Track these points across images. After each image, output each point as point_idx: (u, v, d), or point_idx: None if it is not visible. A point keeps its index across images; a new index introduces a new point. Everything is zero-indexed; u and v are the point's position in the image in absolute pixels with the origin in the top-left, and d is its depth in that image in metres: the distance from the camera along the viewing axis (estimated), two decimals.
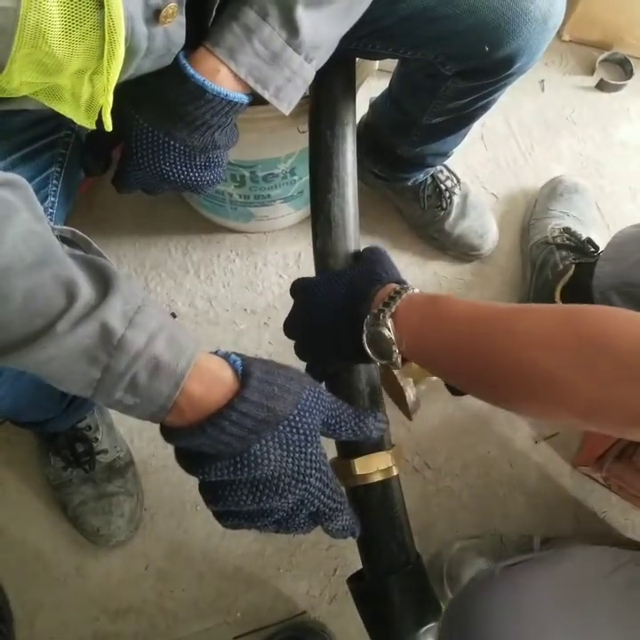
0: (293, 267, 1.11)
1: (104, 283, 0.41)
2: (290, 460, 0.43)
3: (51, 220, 0.59)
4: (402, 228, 1.13)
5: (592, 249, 1.01)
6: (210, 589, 0.94)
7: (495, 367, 0.46)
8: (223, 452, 0.41)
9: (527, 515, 0.96)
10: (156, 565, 0.94)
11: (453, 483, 0.99)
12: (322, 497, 0.45)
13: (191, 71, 0.52)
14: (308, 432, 0.44)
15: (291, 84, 0.56)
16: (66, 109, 0.49)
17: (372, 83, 0.93)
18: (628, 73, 1.26)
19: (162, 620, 0.92)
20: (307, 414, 0.44)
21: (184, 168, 0.58)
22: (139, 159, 0.57)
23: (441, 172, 1.06)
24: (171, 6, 0.43)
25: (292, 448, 0.43)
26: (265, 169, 0.91)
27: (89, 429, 0.90)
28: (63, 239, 0.47)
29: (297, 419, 0.43)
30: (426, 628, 0.59)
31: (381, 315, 0.51)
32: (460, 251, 1.10)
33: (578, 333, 0.42)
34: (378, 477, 0.60)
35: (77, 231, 0.49)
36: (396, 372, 0.79)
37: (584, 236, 1.04)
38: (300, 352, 0.62)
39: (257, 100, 0.57)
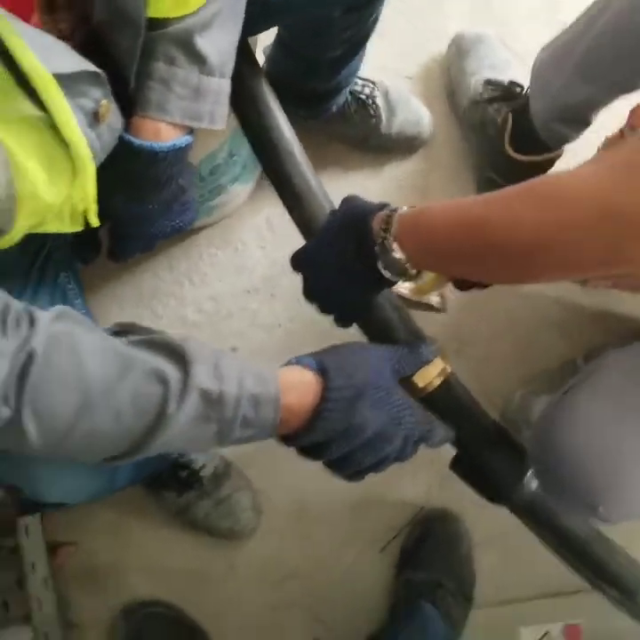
0: (268, 233, 1.16)
1: (178, 355, 0.48)
2: (384, 414, 0.52)
3: (87, 316, 0.66)
4: (344, 152, 1.16)
5: (518, 89, 1.06)
6: (340, 527, 1.07)
7: (483, 251, 0.53)
8: (333, 435, 0.50)
9: (563, 343, 1.07)
10: (290, 530, 1.06)
11: (491, 349, 1.09)
12: (418, 427, 0.55)
13: (137, 142, 0.56)
14: (386, 386, 0.53)
15: (218, 105, 0.60)
16: (53, 228, 0.54)
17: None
18: None
19: (316, 570, 1.06)
20: (379, 373, 0.53)
21: (167, 222, 0.63)
22: (128, 235, 0.62)
23: (355, 84, 1.09)
24: (103, 105, 0.48)
25: (381, 404, 0.52)
26: (208, 165, 0.94)
27: (182, 456, 1.00)
28: (115, 333, 0.53)
29: (374, 381, 0.52)
30: (528, 475, 0.71)
31: (385, 242, 0.57)
32: (403, 146, 1.14)
33: (533, 199, 0.49)
34: (438, 382, 0.67)
35: (120, 321, 0.55)
36: (411, 297, 0.88)
37: (506, 81, 1.08)
38: (325, 309, 0.67)
39: None
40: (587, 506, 0.66)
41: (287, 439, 0.52)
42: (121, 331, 0.54)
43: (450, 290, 0.91)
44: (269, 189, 1.14)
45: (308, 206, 0.70)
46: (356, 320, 0.68)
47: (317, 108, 1.03)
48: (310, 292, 0.67)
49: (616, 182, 0.45)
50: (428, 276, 0.89)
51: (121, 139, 0.56)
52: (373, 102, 1.10)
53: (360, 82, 1.09)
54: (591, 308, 1.08)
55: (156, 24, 0.53)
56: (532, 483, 0.69)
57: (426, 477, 1.07)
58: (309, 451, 0.53)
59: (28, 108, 0.41)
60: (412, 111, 1.13)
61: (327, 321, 1.13)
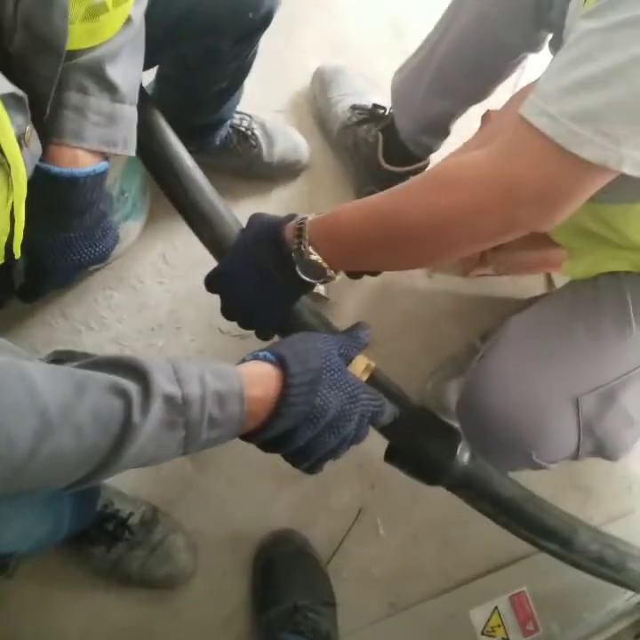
0: (166, 268, 1.15)
1: (132, 369, 0.46)
2: (341, 392, 0.54)
3: None
4: (231, 182, 1.19)
5: (381, 110, 1.16)
6: None
7: (392, 239, 0.58)
8: (300, 419, 0.51)
9: (458, 331, 1.17)
10: (232, 565, 1.03)
11: (396, 346, 1.15)
12: (371, 402, 0.57)
13: (57, 169, 0.56)
14: (338, 367, 0.55)
15: (130, 131, 0.61)
16: None
17: None
18: None
19: None
20: (330, 356, 0.55)
21: (90, 249, 0.62)
22: (49, 268, 0.60)
23: (233, 117, 1.14)
24: (27, 130, 0.47)
25: (337, 384, 0.54)
26: None
27: (107, 508, 0.94)
28: (53, 362, 0.51)
29: (327, 363, 0.54)
30: (459, 448, 0.75)
31: (302, 247, 0.60)
32: (286, 171, 1.21)
33: (435, 186, 0.56)
34: (365, 377, 0.71)
35: (56, 349, 0.53)
36: None
37: (369, 104, 1.18)
38: (247, 324, 0.69)
39: None
40: (521, 455, 0.71)
41: (254, 435, 0.52)
42: (58, 359, 0.52)
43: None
44: (161, 224, 1.17)
45: (218, 227, 0.71)
46: (278, 330, 0.70)
47: (202, 141, 1.06)
48: (229, 311, 0.68)
49: (505, 161, 0.52)
50: None
51: (38, 168, 0.55)
52: (252, 133, 1.15)
53: (237, 115, 1.14)
54: (477, 295, 1.18)
55: (67, 55, 0.53)
56: (463, 457, 0.72)
57: (356, 482, 1.09)
58: (274, 443, 0.53)
59: None
60: (289, 139, 1.19)
61: (238, 342, 1.14)
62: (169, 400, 0.46)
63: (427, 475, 0.80)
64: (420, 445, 0.75)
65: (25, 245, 0.57)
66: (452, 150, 1.11)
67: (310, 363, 0.53)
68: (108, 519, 0.94)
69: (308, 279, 0.62)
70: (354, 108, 1.19)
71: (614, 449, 0.74)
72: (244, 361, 0.54)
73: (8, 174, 0.44)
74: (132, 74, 0.60)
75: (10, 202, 0.46)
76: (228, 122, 1.09)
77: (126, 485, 1.02)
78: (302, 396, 0.51)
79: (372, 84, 1.29)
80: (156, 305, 1.13)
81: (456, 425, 0.75)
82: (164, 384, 0.46)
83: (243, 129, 1.14)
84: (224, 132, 1.09)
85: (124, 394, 0.44)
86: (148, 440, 0.45)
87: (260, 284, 0.63)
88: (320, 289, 1.08)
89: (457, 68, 0.96)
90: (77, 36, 0.52)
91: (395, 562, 1.06)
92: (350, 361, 0.67)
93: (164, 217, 1.15)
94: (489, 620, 1.01)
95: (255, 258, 0.63)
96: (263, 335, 0.70)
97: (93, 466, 0.44)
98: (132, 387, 0.45)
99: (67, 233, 0.59)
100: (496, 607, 1.03)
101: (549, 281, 1.19)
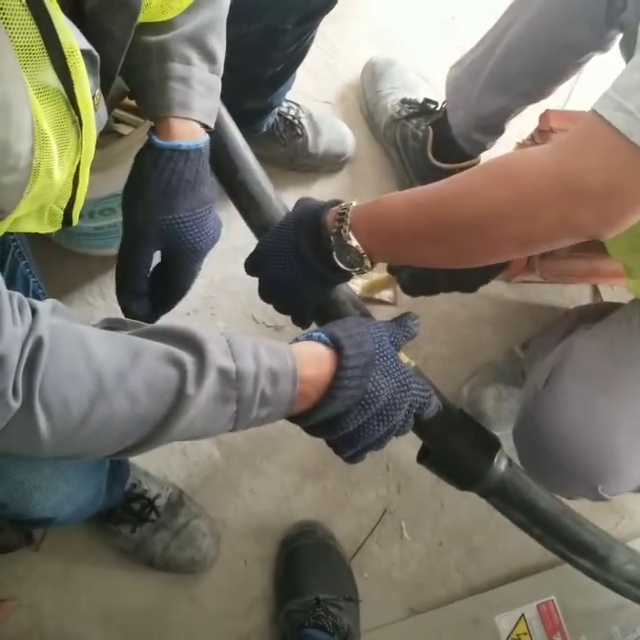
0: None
1: (187, 339, 0.46)
2: (392, 380, 0.52)
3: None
4: (272, 172, 1.17)
5: (433, 105, 1.14)
6: None
7: (441, 229, 0.56)
8: (351, 404, 0.50)
9: (497, 337, 1.14)
10: (254, 555, 1.02)
11: (431, 350, 1.13)
12: (421, 392, 0.55)
13: (185, 144, 0.56)
14: (390, 354, 0.53)
15: (217, 104, 0.62)
16: (30, 227, 0.51)
17: None
18: None
19: None
20: (383, 342, 0.53)
21: (216, 221, 0.62)
22: (188, 251, 0.60)
23: (281, 105, 1.12)
24: (96, 94, 0.46)
25: (390, 371, 0.52)
26: None
27: (135, 487, 0.94)
28: (106, 329, 0.50)
29: (380, 349, 0.52)
30: (496, 456, 0.73)
31: (341, 231, 0.58)
32: (330, 163, 1.19)
33: (490, 176, 0.53)
34: None
35: (108, 317, 0.52)
36: (362, 295, 0.90)
37: (420, 99, 1.16)
38: (282, 307, 0.67)
39: None
40: (586, 487, 0.68)
41: (305, 417, 0.51)
42: (110, 327, 0.52)
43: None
44: None
45: (263, 209, 0.70)
46: (315, 318, 0.68)
47: (249, 127, 1.05)
48: (265, 292, 0.67)
49: (571, 155, 0.49)
50: (378, 275, 0.93)
51: (161, 146, 0.56)
52: (299, 122, 1.14)
53: (285, 103, 1.13)
54: (519, 301, 1.16)
55: (164, 26, 0.54)
56: (500, 464, 0.71)
57: (383, 483, 1.07)
58: (321, 427, 0.52)
59: (52, 78, 0.39)
60: (336, 131, 1.18)
61: (272, 333, 1.13)
62: (223, 374, 0.45)
63: (461, 479, 0.78)
64: (456, 449, 0.73)
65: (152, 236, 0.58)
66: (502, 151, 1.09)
67: (364, 346, 0.51)
68: (135, 499, 0.95)
69: (343, 266, 0.60)
70: (404, 101, 1.17)
71: None
72: (296, 340, 0.53)
73: (79, 134, 0.43)
74: (222, 46, 0.60)
75: (76, 163, 0.45)
76: (276, 109, 1.08)
77: (153, 467, 1.02)
78: (355, 380, 0.50)
79: (423, 78, 1.27)
80: (191, 290, 1.12)
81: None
82: (218, 357, 0.45)
83: (290, 117, 1.13)
84: (271, 119, 1.09)
85: (178, 364, 0.44)
86: (200, 412, 0.45)
87: (296, 266, 0.62)
88: (385, 295, 1.06)
89: (518, 65, 0.93)
90: (151, 11, 0.52)
91: (417, 566, 1.05)
92: (399, 346, 0.64)
93: None
94: (515, 627, 0.98)
95: (293, 240, 0.62)
96: (300, 322, 0.68)
97: (144, 434, 0.44)
98: (186, 357, 0.44)
99: (202, 205, 0.59)
100: (523, 614, 1.00)
101: (596, 291, 1.15)
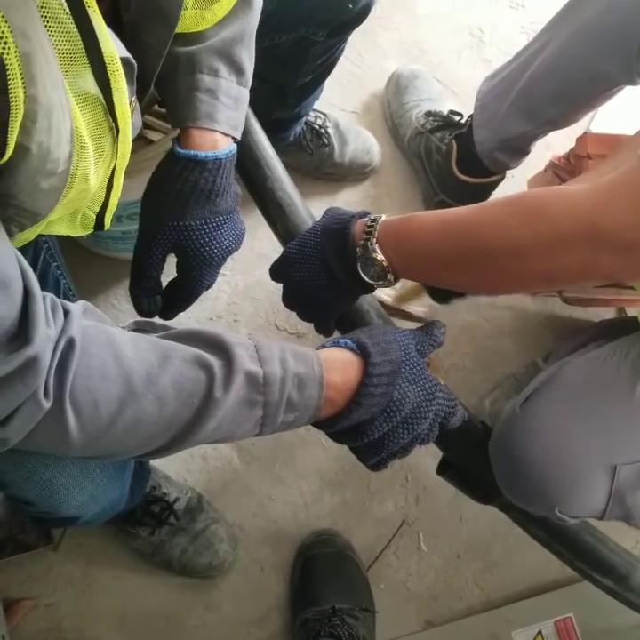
0: (229, 260, 1.14)
1: (214, 343, 0.46)
2: (418, 388, 0.52)
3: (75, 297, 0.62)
4: (298, 181, 1.18)
5: (457, 118, 1.14)
6: None
7: (466, 256, 0.55)
8: (376, 411, 0.50)
9: (519, 349, 1.14)
10: (270, 562, 1.02)
11: (453, 358, 1.13)
12: (446, 402, 0.55)
13: (202, 154, 0.56)
14: (417, 362, 0.53)
15: (244, 116, 0.62)
16: (63, 230, 0.52)
17: None
18: None
19: None
20: (409, 350, 0.53)
21: (234, 230, 0.62)
22: (200, 260, 0.60)
23: (308, 114, 1.13)
24: (132, 101, 0.47)
25: (416, 379, 0.52)
26: None
27: (155, 490, 0.94)
28: (135, 331, 0.51)
29: (406, 357, 0.52)
30: None
31: (368, 243, 0.58)
32: (355, 173, 1.20)
33: (521, 210, 0.53)
34: None
35: (137, 319, 0.53)
36: (392, 305, 0.89)
37: (445, 111, 1.16)
38: (305, 315, 0.67)
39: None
40: (544, 506, 0.68)
41: (330, 423, 0.51)
42: (139, 329, 0.52)
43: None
44: None
45: (290, 217, 0.71)
46: (338, 326, 0.68)
47: (276, 136, 1.06)
48: (288, 299, 0.67)
49: (607, 200, 0.48)
50: (408, 284, 0.92)
51: (172, 152, 0.57)
52: (326, 131, 1.15)
53: (312, 113, 1.14)
54: (542, 314, 1.15)
55: (195, 37, 0.54)
56: None
57: (402, 494, 1.07)
58: (347, 433, 0.52)
59: (91, 85, 0.40)
60: (362, 140, 1.18)
61: (294, 340, 1.14)
62: (250, 378, 0.45)
63: (482, 493, 0.77)
64: (478, 463, 0.73)
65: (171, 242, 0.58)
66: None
67: (391, 354, 0.51)
68: (154, 501, 0.95)
69: (366, 278, 0.60)
70: (428, 114, 1.17)
71: None
72: (323, 347, 0.53)
73: (115, 140, 0.44)
74: (251, 58, 0.61)
75: (110, 169, 0.46)
76: (304, 118, 1.09)
77: (173, 470, 1.03)
78: (382, 387, 0.50)
79: (449, 91, 1.27)
80: (216, 296, 1.14)
81: None
82: (246, 361, 0.46)
83: (317, 127, 1.14)
84: (299, 128, 1.09)
85: (207, 367, 0.44)
86: (227, 416, 0.45)
87: (320, 274, 0.62)
88: (418, 310, 1.05)
89: (546, 91, 0.91)
90: (187, 22, 0.53)
91: (434, 579, 1.04)
92: (425, 354, 0.63)
93: None
94: None
95: (320, 248, 0.62)
96: (322, 330, 0.68)
97: (171, 436, 0.45)
98: (214, 361, 0.45)
99: (216, 216, 0.59)
100: (540, 631, 0.99)
101: (621, 308, 1.14)
